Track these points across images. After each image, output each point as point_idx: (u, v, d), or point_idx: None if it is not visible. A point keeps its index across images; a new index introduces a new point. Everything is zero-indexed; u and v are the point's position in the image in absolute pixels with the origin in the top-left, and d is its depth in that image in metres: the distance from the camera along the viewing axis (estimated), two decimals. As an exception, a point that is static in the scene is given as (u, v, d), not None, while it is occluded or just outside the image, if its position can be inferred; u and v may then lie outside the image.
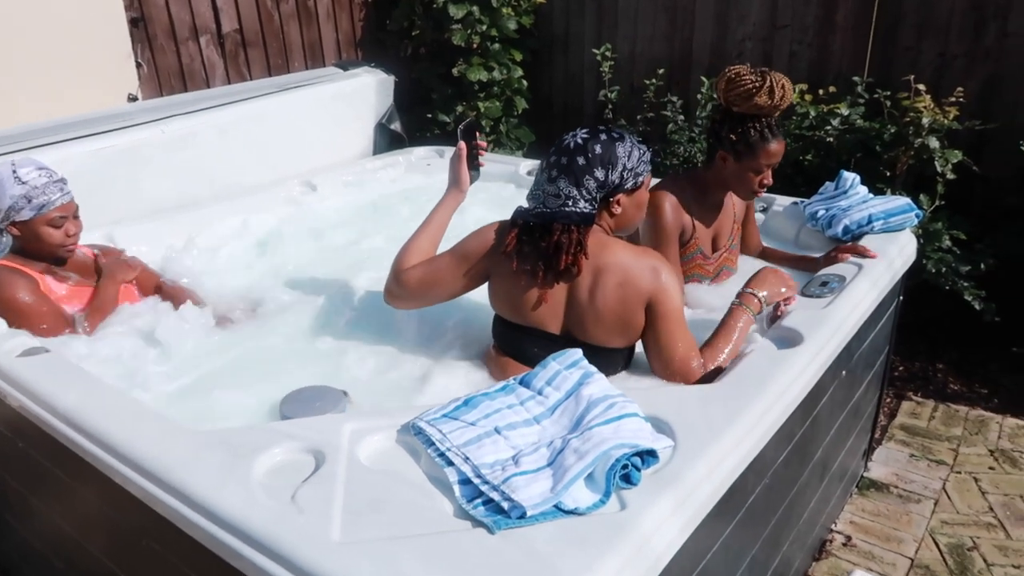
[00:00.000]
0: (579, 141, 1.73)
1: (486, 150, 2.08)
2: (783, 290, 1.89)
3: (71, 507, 1.74)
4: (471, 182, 2.02)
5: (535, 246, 1.74)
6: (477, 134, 2.03)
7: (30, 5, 2.94)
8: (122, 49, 3.34)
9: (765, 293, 1.86)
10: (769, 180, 2.16)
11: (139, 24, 3.40)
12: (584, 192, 1.71)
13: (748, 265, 2.41)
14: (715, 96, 2.15)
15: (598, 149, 1.71)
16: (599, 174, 1.71)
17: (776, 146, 2.11)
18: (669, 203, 2.17)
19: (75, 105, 3.03)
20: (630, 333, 1.76)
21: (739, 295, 1.85)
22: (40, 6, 2.97)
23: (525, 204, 1.83)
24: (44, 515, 1.88)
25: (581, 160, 1.71)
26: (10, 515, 2.07)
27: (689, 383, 1.69)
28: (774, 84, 2.04)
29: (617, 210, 1.78)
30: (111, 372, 1.87)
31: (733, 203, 2.34)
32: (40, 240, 2.12)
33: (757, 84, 2.04)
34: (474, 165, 2.01)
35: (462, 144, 1.97)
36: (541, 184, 1.77)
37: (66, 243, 2.15)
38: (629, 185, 1.76)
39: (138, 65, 3.42)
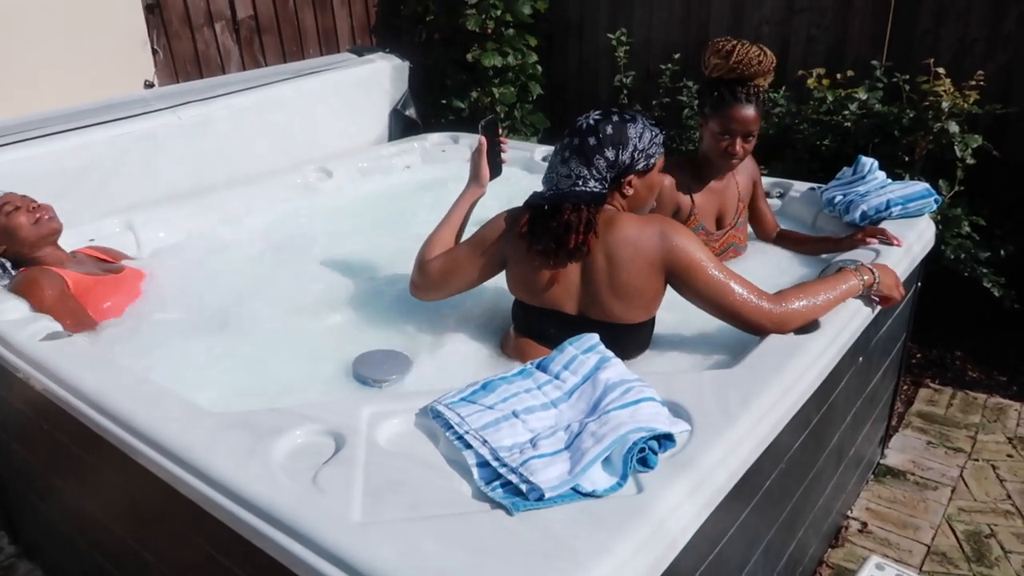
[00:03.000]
0: (591, 122, 1.75)
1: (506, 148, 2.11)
2: (895, 293, 1.85)
3: (95, 488, 1.77)
4: (493, 177, 2.04)
5: (546, 227, 1.75)
6: (499, 130, 2.05)
7: (48, -8, 2.96)
8: (138, 36, 3.35)
9: (880, 277, 1.83)
10: (735, 148, 2.17)
11: (155, 10, 3.41)
12: (594, 172, 1.73)
13: (773, 255, 2.41)
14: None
15: (609, 130, 1.73)
16: (609, 154, 1.72)
17: (738, 111, 2.13)
18: (667, 182, 2.21)
19: (92, 92, 3.05)
20: (649, 304, 1.77)
21: (856, 264, 1.84)
22: (58, -7, 2.99)
23: (540, 189, 1.84)
24: (68, 496, 1.91)
25: (592, 140, 1.73)
26: (35, 496, 2.11)
27: (774, 321, 1.67)
28: (734, 47, 2.08)
29: (629, 191, 1.79)
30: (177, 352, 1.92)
31: (737, 182, 2.36)
32: (13, 232, 2.15)
33: (718, 46, 2.11)
34: (496, 161, 2.04)
35: (483, 139, 2.00)
36: (554, 166, 1.79)
37: (36, 216, 2.16)
38: (641, 166, 1.77)
39: (154, 52, 3.44)
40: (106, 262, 2.36)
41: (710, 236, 2.29)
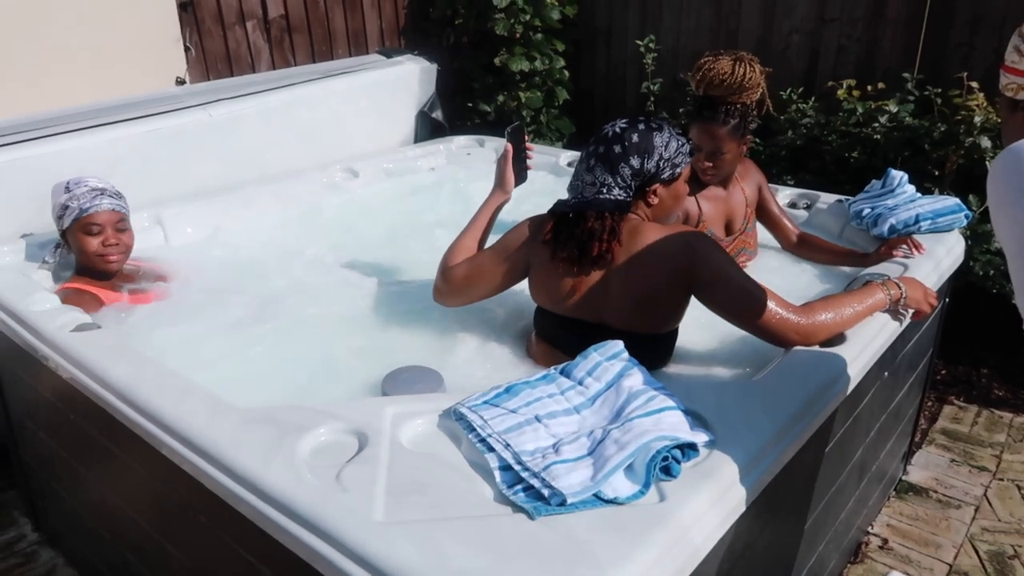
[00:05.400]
0: (617, 130, 1.75)
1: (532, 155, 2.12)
2: (924, 306, 1.83)
3: (119, 479, 1.80)
4: (518, 184, 2.05)
5: (571, 234, 1.75)
6: (525, 137, 2.06)
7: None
8: (171, 33, 3.39)
9: (908, 291, 1.80)
10: (700, 164, 2.21)
11: (188, 8, 3.45)
12: (619, 180, 1.73)
13: (795, 265, 2.39)
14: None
15: (635, 138, 1.72)
16: (634, 162, 1.72)
17: (698, 128, 2.18)
18: None
19: (125, 87, 3.10)
20: (672, 315, 1.76)
21: (884, 279, 1.83)
22: (95, -10, 3.04)
23: (565, 196, 1.84)
24: (93, 486, 1.94)
25: (617, 148, 1.72)
26: (59, 486, 2.14)
27: (801, 333, 1.64)
28: (703, 64, 2.13)
29: (654, 200, 1.78)
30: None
31: (742, 188, 2.38)
32: (77, 248, 2.17)
33: (699, 63, 2.15)
34: (521, 168, 2.04)
35: (509, 146, 2.00)
36: (580, 174, 1.79)
37: (103, 252, 2.16)
38: (666, 175, 1.76)
39: (186, 49, 3.48)
40: (149, 269, 2.38)
41: (720, 242, 2.29)
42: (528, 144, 2.08)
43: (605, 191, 1.73)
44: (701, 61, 2.15)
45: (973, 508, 2.50)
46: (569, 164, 3.20)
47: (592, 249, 1.72)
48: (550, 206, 1.84)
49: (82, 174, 2.23)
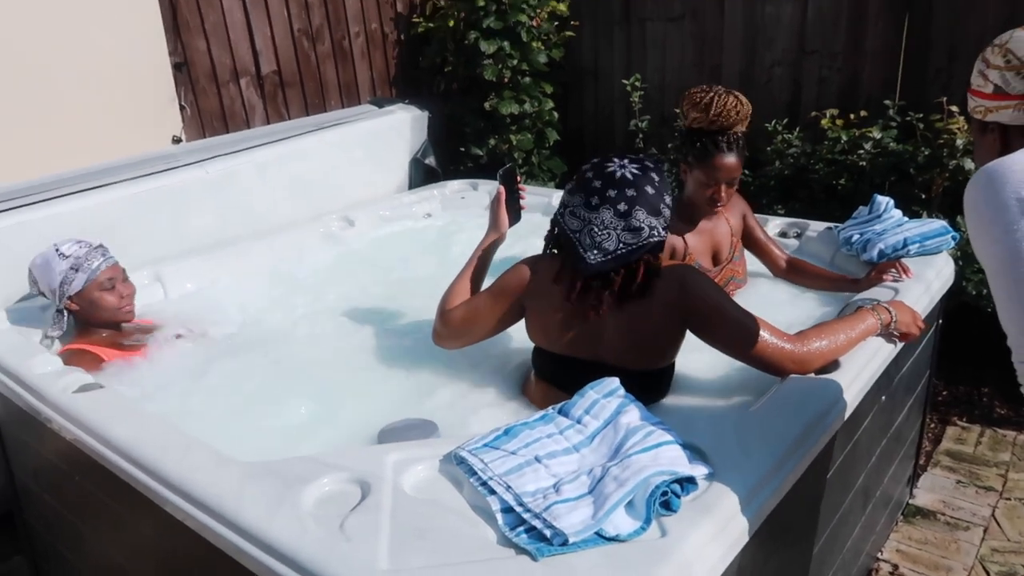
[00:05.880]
0: (636, 171, 1.71)
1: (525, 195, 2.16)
2: (913, 329, 1.88)
3: (124, 538, 1.80)
4: (512, 224, 2.09)
5: (606, 283, 1.72)
6: (517, 178, 2.11)
7: (82, 56, 3.07)
8: (166, 93, 3.46)
9: (897, 315, 1.85)
10: (718, 195, 2.24)
11: (182, 69, 3.52)
12: (662, 220, 1.73)
13: (786, 291, 2.42)
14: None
15: (655, 176, 1.73)
16: (667, 199, 1.74)
17: (722, 160, 2.19)
18: None
19: (122, 147, 3.15)
20: (668, 350, 1.78)
21: (873, 304, 1.87)
22: (90, 56, 3.10)
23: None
24: (97, 547, 1.94)
25: (650, 189, 1.71)
26: (64, 547, 2.13)
27: (796, 362, 1.67)
28: (713, 100, 2.15)
29: None
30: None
31: (727, 218, 2.41)
32: (97, 307, 2.22)
33: (696, 98, 2.18)
34: (515, 208, 2.09)
35: (501, 188, 2.05)
36: (607, 224, 1.69)
37: (121, 305, 2.25)
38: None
39: (182, 108, 3.54)
40: (147, 325, 2.41)
41: (708, 273, 2.31)
42: (521, 185, 2.13)
43: (656, 233, 1.71)
44: (707, 97, 2.16)
45: (982, 529, 2.49)
46: (561, 203, 3.23)
47: (631, 286, 1.71)
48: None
49: (54, 240, 2.27)
